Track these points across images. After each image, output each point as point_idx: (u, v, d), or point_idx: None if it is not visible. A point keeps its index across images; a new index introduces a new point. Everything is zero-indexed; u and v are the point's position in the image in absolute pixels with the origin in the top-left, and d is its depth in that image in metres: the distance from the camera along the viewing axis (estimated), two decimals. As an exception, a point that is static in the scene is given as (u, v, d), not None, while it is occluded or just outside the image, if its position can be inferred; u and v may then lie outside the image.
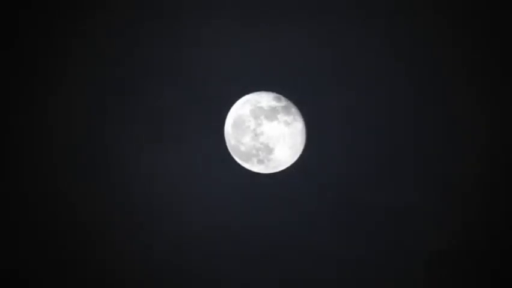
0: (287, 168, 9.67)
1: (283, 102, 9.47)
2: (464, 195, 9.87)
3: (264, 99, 9.43)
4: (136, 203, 10.05)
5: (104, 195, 10.02)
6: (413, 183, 9.94)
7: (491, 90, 9.85)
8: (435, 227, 9.86)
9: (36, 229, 10.01)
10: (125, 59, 10.03)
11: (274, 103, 9.40)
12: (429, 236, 9.85)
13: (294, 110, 9.50)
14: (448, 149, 9.91)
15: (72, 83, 10.06)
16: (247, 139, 9.25)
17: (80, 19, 10.01)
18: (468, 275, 9.74)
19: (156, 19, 10.01)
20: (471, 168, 9.85)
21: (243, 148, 9.32)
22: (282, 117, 9.32)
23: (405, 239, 9.90)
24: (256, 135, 9.20)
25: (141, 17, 10.04)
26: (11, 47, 10.01)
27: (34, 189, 10.02)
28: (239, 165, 9.62)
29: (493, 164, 9.84)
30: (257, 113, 9.27)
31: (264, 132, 9.20)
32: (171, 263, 10.02)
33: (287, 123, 9.34)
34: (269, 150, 9.24)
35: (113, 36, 10.05)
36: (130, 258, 9.99)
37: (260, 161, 9.35)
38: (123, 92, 10.04)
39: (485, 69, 9.84)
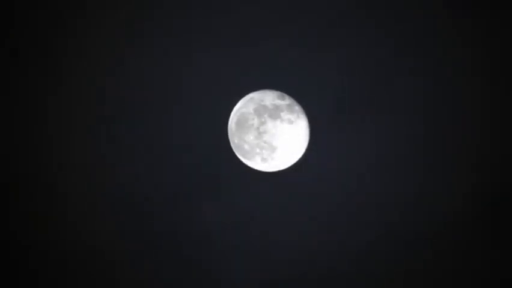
0: (291, 167, 9.68)
1: (287, 100, 9.48)
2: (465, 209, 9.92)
3: (267, 97, 9.44)
4: (137, 203, 10.03)
5: (105, 194, 10.01)
6: (412, 182, 9.97)
7: (492, 90, 9.90)
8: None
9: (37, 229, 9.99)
10: (126, 59, 10.02)
11: (278, 101, 9.41)
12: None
13: (297, 108, 9.50)
14: (449, 149, 9.95)
15: (75, 84, 10.06)
16: (250, 137, 9.25)
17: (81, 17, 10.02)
18: None
19: (157, 19, 10.01)
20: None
21: (246, 146, 9.32)
22: (285, 115, 9.33)
23: (408, 237, 9.93)
24: (259, 134, 9.20)
25: (141, 16, 10.04)
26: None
27: (34, 189, 10.00)
28: (243, 163, 9.62)
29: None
30: (261, 111, 9.27)
31: (268, 131, 9.20)
32: (172, 261, 10.00)
33: (291, 122, 9.34)
34: (272, 148, 9.25)
35: (113, 36, 10.04)
36: (137, 255, 9.98)
37: (264, 160, 9.35)
38: (124, 91, 10.03)
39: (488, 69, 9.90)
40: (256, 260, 10.02)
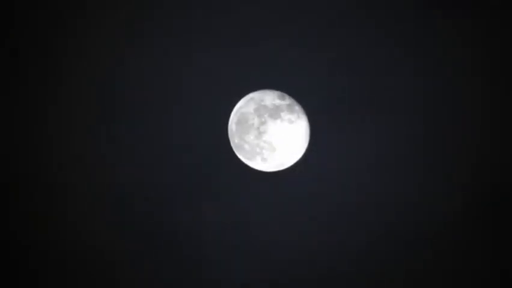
0: (291, 167, 9.68)
1: (287, 100, 9.49)
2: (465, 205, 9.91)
3: (268, 97, 9.44)
4: (137, 203, 10.03)
5: (105, 194, 10.01)
6: (412, 182, 9.97)
7: (492, 90, 9.90)
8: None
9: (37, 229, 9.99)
10: (126, 59, 10.02)
11: (278, 101, 9.41)
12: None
13: (298, 108, 9.51)
14: (449, 149, 9.95)
15: (75, 85, 10.06)
16: (251, 137, 9.25)
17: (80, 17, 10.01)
18: None
19: (157, 19, 10.01)
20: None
21: (246, 146, 9.32)
22: (285, 115, 9.34)
23: (408, 237, 9.93)
24: (260, 134, 9.20)
25: (141, 16, 10.04)
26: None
27: (34, 189, 10.00)
28: (243, 163, 9.62)
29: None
30: (261, 111, 9.28)
31: (268, 131, 9.21)
32: (172, 261, 10.00)
33: (291, 122, 9.35)
34: (273, 148, 9.25)
35: (113, 36, 10.04)
36: (137, 255, 9.97)
37: (264, 160, 9.36)
38: (124, 91, 10.02)
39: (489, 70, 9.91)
40: (256, 260, 10.02)
